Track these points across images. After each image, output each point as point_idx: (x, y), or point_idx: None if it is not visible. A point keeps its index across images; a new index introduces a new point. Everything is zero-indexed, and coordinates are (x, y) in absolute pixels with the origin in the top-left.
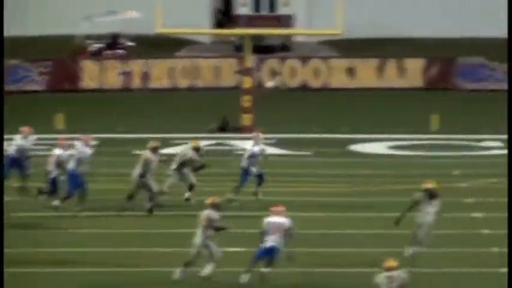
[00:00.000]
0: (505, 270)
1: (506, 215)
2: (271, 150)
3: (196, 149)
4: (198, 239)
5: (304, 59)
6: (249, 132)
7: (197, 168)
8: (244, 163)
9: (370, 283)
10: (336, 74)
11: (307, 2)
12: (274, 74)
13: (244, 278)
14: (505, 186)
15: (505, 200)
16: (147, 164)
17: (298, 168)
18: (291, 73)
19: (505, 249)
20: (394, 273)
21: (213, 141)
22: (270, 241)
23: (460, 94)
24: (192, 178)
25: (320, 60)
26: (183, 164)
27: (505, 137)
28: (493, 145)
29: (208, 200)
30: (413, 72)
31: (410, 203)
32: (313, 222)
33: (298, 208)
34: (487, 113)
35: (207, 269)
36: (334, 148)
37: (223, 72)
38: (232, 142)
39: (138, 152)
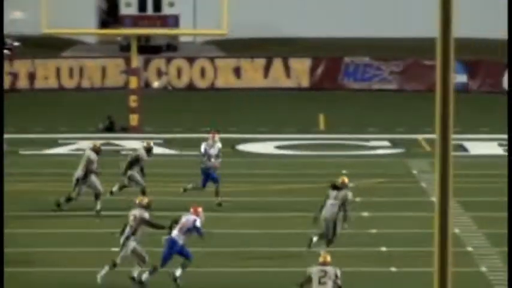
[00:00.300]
0: (394, 269)
1: (393, 214)
2: (158, 150)
3: (148, 150)
4: (123, 238)
5: (191, 59)
6: (136, 132)
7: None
8: (203, 165)
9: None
10: (222, 74)
11: (193, 2)
12: (160, 74)
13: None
14: (391, 185)
15: (392, 199)
16: (89, 164)
17: (185, 168)
18: (178, 73)
19: (393, 248)
20: (329, 267)
21: (100, 141)
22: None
23: (346, 94)
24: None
25: (206, 60)
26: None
27: (392, 136)
28: (379, 144)
29: (137, 200)
30: (299, 72)
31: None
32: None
33: (187, 208)
34: (374, 113)
35: (136, 271)
36: (223, 148)
37: (110, 72)
38: (119, 142)
39: (24, 152)
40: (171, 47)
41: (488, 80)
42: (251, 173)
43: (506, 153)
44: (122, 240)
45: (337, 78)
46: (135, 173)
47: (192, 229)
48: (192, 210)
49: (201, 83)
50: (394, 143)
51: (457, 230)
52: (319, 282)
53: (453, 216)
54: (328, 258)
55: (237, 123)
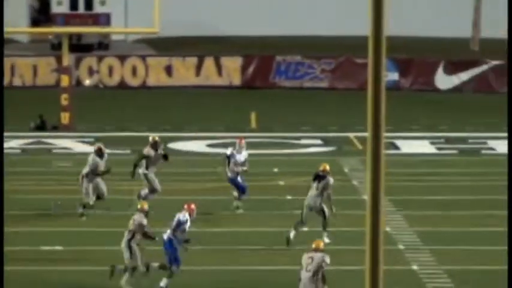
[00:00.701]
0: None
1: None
2: (89, 149)
3: (154, 145)
4: (123, 242)
5: (122, 58)
6: (67, 131)
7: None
8: (230, 174)
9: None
10: (153, 72)
11: (124, 0)
12: (92, 72)
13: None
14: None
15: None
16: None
17: (116, 166)
18: (109, 71)
19: (325, 246)
20: (317, 254)
21: (32, 140)
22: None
23: (278, 92)
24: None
25: (138, 58)
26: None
27: (324, 134)
28: (311, 143)
29: (139, 205)
30: (231, 71)
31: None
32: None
33: (123, 207)
34: (306, 111)
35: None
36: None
37: (41, 70)
38: (51, 141)
39: None
40: (102, 46)
41: (420, 78)
42: (183, 172)
43: (437, 151)
44: (122, 244)
45: (269, 76)
46: (151, 174)
47: (180, 224)
48: (185, 206)
49: (133, 81)
50: (326, 141)
51: (388, 228)
52: (306, 269)
53: (385, 214)
54: (321, 245)
55: (168, 122)
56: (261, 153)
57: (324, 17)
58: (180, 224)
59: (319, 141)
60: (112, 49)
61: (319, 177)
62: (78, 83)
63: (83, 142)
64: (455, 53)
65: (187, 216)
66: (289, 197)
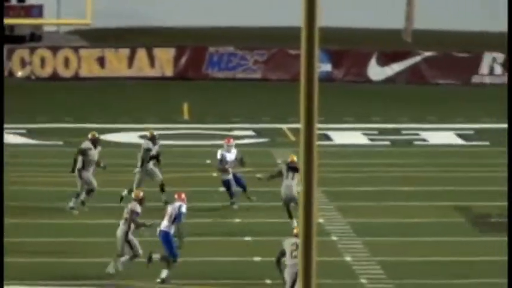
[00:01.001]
0: (258, 259)
1: (258, 204)
2: (21, 140)
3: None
4: (119, 231)
5: (54, 49)
6: None
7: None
8: (223, 176)
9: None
10: (86, 63)
11: None
12: (24, 63)
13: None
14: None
15: (257, 189)
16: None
17: (50, 158)
18: (41, 63)
19: (258, 238)
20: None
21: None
22: (161, 226)
23: (210, 83)
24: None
25: (70, 50)
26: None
27: (257, 125)
28: (244, 134)
29: (133, 194)
30: (163, 62)
31: (271, 173)
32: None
33: (56, 199)
34: (238, 102)
35: (110, 267)
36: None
37: None
38: None
39: None
40: (34, 37)
41: (353, 69)
42: (115, 163)
43: (370, 142)
44: (118, 233)
45: (202, 67)
46: (151, 166)
47: (179, 215)
48: (176, 196)
49: (65, 73)
50: (259, 133)
51: (321, 220)
52: (292, 256)
53: (318, 205)
54: None
55: (101, 113)
56: (193, 144)
57: (256, 8)
58: (181, 215)
59: (251, 133)
60: (44, 40)
61: (292, 168)
62: (11, 74)
63: (15, 134)
64: (388, 44)
65: (184, 206)
66: (221, 189)
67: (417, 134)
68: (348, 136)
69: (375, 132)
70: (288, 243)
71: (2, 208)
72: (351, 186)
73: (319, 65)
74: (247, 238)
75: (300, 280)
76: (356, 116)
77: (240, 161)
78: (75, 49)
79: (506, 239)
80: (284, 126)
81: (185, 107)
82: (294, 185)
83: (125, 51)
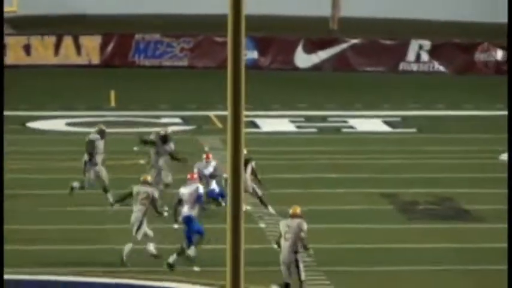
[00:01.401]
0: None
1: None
2: None
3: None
4: (133, 216)
5: None
6: None
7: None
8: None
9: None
10: (12, 51)
11: None
12: None
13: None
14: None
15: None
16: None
17: None
18: None
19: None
20: (294, 221)
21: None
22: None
23: (137, 71)
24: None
25: None
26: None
27: (183, 113)
28: (171, 121)
29: (142, 178)
30: (90, 49)
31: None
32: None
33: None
34: (165, 90)
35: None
36: (13, 125)
37: None
38: None
39: None
40: None
41: (279, 56)
42: (42, 150)
43: (297, 129)
44: (132, 219)
45: (128, 55)
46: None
47: (199, 197)
48: (189, 177)
49: None
50: (186, 120)
51: (249, 207)
52: (285, 238)
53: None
54: (298, 210)
55: (27, 101)
56: (120, 132)
57: None
58: (201, 196)
59: (178, 120)
60: None
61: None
62: None
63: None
64: (315, 32)
65: (201, 187)
66: (149, 177)
67: (344, 122)
68: (275, 123)
69: (302, 119)
70: (282, 225)
71: (2, 212)
72: (277, 174)
73: (245, 53)
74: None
75: (228, 267)
76: (283, 103)
77: (216, 173)
78: None
79: (434, 226)
80: (211, 113)
81: (112, 94)
82: (248, 178)
83: (51, 39)
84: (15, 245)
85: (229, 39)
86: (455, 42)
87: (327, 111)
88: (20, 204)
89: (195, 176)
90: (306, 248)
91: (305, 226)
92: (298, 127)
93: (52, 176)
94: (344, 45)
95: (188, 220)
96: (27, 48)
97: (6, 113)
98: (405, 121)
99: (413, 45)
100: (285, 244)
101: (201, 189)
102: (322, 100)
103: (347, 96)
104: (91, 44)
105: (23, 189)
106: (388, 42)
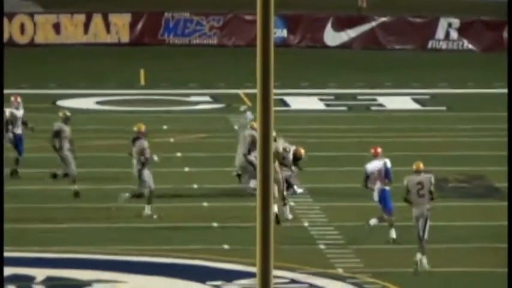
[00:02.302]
0: (216, 224)
1: (215, 169)
2: None
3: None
4: (134, 169)
5: (10, 15)
6: None
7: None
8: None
9: None
10: (41, 30)
11: None
12: None
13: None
14: (213, 140)
15: (214, 154)
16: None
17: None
18: None
19: (214, 204)
20: (424, 177)
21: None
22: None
23: (167, 49)
24: None
25: (25, 15)
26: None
27: (213, 91)
28: (200, 100)
29: (135, 128)
30: (119, 28)
31: None
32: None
33: None
34: (194, 68)
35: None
36: (43, 104)
37: None
38: None
39: None
40: None
41: (308, 34)
42: (72, 129)
43: (326, 108)
44: (133, 171)
45: (158, 33)
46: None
47: (388, 171)
48: (372, 151)
49: (21, 39)
50: (215, 98)
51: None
52: (419, 194)
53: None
54: (421, 166)
55: (57, 79)
56: (150, 110)
57: None
58: (390, 170)
59: (208, 98)
60: None
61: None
62: None
63: None
64: (344, 10)
65: (388, 160)
66: (178, 154)
67: (374, 100)
68: (304, 101)
69: (331, 97)
70: (411, 183)
71: (2, 212)
72: (307, 152)
73: (274, 31)
74: (204, 204)
75: (258, 245)
76: (312, 82)
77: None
78: (31, 15)
79: (464, 203)
80: (240, 91)
81: (142, 73)
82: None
83: (80, 17)
84: (53, 224)
85: (258, 18)
86: (484, 20)
87: (356, 89)
88: (56, 183)
89: (379, 150)
90: (432, 199)
91: (433, 179)
92: (327, 105)
93: (82, 154)
94: (373, 23)
95: (383, 194)
96: (56, 27)
97: (36, 91)
98: (434, 99)
99: (442, 23)
100: (421, 200)
101: (389, 163)
102: (352, 78)
103: (376, 75)
104: (120, 22)
105: (54, 168)
106: (417, 20)
